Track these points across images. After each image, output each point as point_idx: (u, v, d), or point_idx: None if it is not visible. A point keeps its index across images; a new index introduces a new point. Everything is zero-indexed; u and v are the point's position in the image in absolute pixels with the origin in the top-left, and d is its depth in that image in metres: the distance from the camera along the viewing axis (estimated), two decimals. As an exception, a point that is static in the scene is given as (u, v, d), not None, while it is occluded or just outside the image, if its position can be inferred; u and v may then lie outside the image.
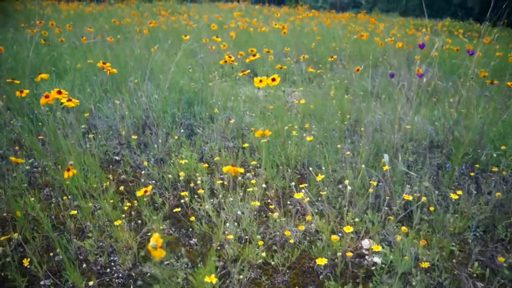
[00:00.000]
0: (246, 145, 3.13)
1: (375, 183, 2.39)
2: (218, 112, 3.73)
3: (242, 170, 2.02)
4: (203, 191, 2.34)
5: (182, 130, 3.60)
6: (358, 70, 3.90)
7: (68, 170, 2.02)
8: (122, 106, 3.58)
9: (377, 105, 4.11)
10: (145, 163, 2.92)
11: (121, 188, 2.69)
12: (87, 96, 3.87)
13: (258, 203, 2.28)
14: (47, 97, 2.18)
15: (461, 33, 10.94)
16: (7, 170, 2.87)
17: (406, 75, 4.30)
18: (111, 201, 2.41)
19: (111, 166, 3.16)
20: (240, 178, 2.42)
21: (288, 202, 2.73)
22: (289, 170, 2.96)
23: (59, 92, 2.19)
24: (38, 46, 4.67)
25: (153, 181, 2.87)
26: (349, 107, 3.87)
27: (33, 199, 2.40)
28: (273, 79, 2.63)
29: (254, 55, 3.32)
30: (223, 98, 4.02)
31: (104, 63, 2.69)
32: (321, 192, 2.55)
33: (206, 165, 2.77)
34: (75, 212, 2.34)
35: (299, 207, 2.67)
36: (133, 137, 3.09)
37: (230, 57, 3.37)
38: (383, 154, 2.69)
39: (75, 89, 4.04)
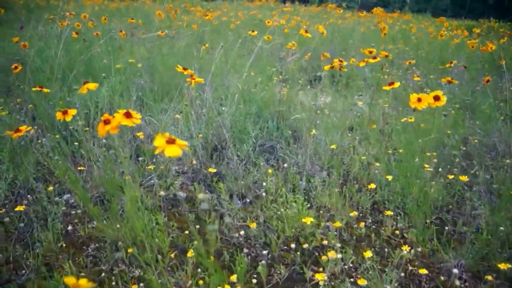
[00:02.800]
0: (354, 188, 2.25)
1: None
2: (304, 130, 2.85)
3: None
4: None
5: (265, 155, 2.74)
6: (488, 81, 2.97)
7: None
8: (181, 121, 2.72)
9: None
10: (230, 205, 2.05)
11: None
12: (133, 105, 3.02)
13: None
14: (107, 122, 1.31)
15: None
16: (36, 216, 2.02)
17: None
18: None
19: (175, 209, 2.30)
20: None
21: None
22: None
23: (128, 115, 1.32)
24: (69, 41, 3.84)
25: (244, 239, 2.00)
26: None
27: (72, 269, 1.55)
28: (437, 98, 1.74)
29: (374, 58, 2.42)
30: (304, 111, 3.14)
31: (184, 69, 1.82)
32: None
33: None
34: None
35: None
36: (210, 170, 2.21)
37: (341, 61, 2.46)
38: None
39: (115, 95, 3.19)
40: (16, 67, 2.55)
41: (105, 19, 4.14)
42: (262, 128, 2.88)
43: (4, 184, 2.22)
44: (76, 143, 2.55)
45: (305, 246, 1.88)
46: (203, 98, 3.11)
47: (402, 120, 2.80)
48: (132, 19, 4.89)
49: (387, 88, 2.29)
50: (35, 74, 3.37)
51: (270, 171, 2.32)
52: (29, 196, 2.21)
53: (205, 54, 4.25)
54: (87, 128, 2.66)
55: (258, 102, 3.25)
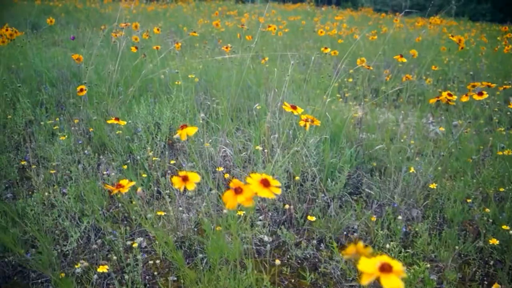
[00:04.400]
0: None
1: None
2: (392, 163, 2.53)
3: None
4: None
5: (347, 189, 2.43)
6: None
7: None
8: (264, 153, 2.44)
9: None
10: None
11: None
12: (203, 131, 2.76)
13: None
14: (239, 192, 1.04)
15: None
16: (111, 265, 1.77)
17: None
18: None
19: (261, 257, 2.02)
20: None
21: None
22: None
23: (265, 183, 1.04)
24: (125, 54, 3.62)
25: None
26: None
27: None
28: None
29: (480, 94, 2.08)
30: (385, 137, 2.82)
31: (293, 107, 1.53)
32: None
33: None
34: None
35: None
36: (305, 216, 1.92)
37: (450, 95, 2.09)
38: None
39: (177, 118, 2.94)
40: (81, 90, 2.32)
41: (158, 29, 3.89)
42: (341, 157, 2.57)
43: (75, 230, 1.98)
44: (145, 175, 2.30)
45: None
46: (275, 122, 2.83)
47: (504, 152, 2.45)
48: (184, 27, 4.65)
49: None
50: (93, 92, 3.14)
51: (373, 218, 2.02)
52: (99, 240, 1.96)
53: (258, 66, 3.98)
54: (155, 158, 2.40)
55: (331, 126, 2.94)
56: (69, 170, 2.60)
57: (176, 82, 3.22)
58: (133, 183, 1.24)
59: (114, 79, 3.07)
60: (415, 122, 3.43)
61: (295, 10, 13.52)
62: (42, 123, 3.13)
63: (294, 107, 1.58)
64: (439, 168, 2.71)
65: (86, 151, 2.46)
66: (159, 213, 1.83)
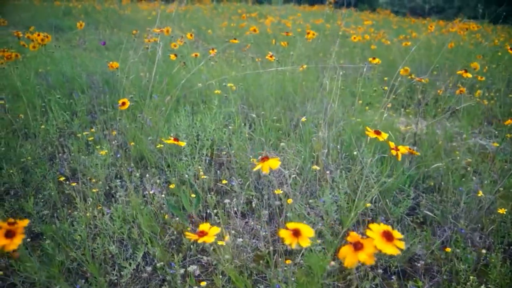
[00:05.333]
0: None
1: None
2: (450, 182, 2.35)
3: None
4: None
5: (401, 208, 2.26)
6: None
7: None
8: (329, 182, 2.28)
9: None
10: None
11: None
12: (251, 149, 2.60)
13: None
14: (358, 247, 0.88)
15: None
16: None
17: None
18: None
19: None
20: None
21: None
22: None
23: (388, 237, 0.87)
24: (160, 61, 3.48)
25: None
26: None
27: None
28: None
29: None
30: (438, 153, 2.63)
31: (377, 132, 1.37)
32: None
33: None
34: None
35: None
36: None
37: None
38: None
39: (219, 130, 2.79)
40: (123, 103, 2.17)
41: (191, 35, 3.75)
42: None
43: (124, 256, 1.84)
44: (193, 195, 2.14)
45: None
46: (322, 136, 2.66)
47: None
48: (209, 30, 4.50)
49: None
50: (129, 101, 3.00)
51: (448, 249, 1.84)
52: (149, 267, 1.82)
53: (294, 74, 3.81)
54: (204, 176, 2.25)
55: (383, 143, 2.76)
56: (108, 186, 2.46)
57: (216, 91, 3.08)
58: (218, 230, 1.09)
59: (150, 88, 2.92)
60: (463, 136, 3.24)
61: (314, 12, 13.33)
62: (77, 133, 3.00)
63: (378, 132, 1.42)
64: (501, 189, 2.53)
65: (129, 168, 2.32)
66: (220, 243, 1.68)
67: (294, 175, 2.34)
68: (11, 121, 3.18)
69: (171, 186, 2.18)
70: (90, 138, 2.76)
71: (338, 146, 2.72)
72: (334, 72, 4.69)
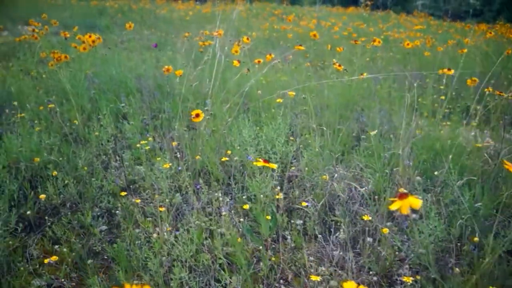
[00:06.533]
0: None
1: None
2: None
3: None
4: None
5: None
6: None
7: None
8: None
9: None
10: None
11: None
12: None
13: None
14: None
15: None
16: None
17: None
18: None
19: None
20: None
21: None
22: None
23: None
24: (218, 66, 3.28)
25: None
26: None
27: None
28: None
29: None
30: None
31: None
32: None
33: None
34: None
35: None
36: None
37: None
38: None
39: (284, 144, 2.57)
40: (197, 115, 1.97)
41: (247, 38, 3.54)
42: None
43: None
44: (268, 217, 1.93)
45: None
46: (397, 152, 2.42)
47: None
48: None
49: None
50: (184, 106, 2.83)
51: None
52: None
53: (358, 83, 3.56)
54: (279, 195, 2.04)
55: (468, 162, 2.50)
56: (170, 203, 2.27)
57: (278, 100, 2.87)
58: None
59: (209, 95, 2.72)
60: None
61: (349, 15, 13.02)
62: (130, 140, 2.84)
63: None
64: None
65: (196, 184, 2.13)
66: (313, 278, 1.46)
67: (372, 195, 2.11)
68: (61, 126, 3.05)
69: (244, 207, 1.98)
70: (147, 148, 2.58)
71: (411, 163, 2.47)
72: (393, 82, 4.42)
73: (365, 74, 3.57)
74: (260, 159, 1.51)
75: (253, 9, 12.24)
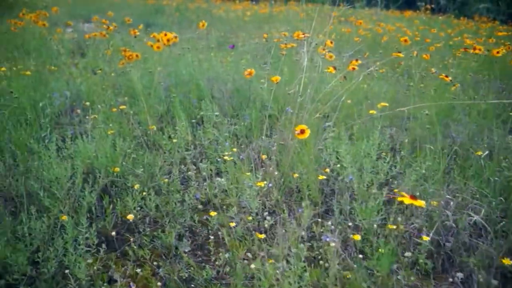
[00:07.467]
0: None
1: None
2: None
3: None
4: None
5: None
6: None
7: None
8: None
9: None
10: None
11: None
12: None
13: None
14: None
15: None
16: None
17: None
18: None
19: None
20: None
21: None
22: None
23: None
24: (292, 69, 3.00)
25: None
26: None
27: None
28: None
29: None
30: None
31: None
32: None
33: None
34: None
35: None
36: None
37: None
38: None
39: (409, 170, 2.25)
40: (302, 131, 1.70)
41: (331, 42, 3.25)
42: None
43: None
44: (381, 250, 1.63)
45: None
46: None
47: None
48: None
49: None
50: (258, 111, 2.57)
51: None
52: None
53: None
54: (393, 226, 1.74)
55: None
56: (257, 223, 2.02)
57: (370, 111, 2.56)
58: None
59: (298, 103, 2.44)
60: None
61: (407, 19, 12.44)
62: (206, 148, 2.62)
63: None
64: None
65: (299, 209, 1.87)
66: None
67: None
68: (132, 129, 2.87)
69: (355, 237, 1.69)
70: (230, 159, 2.33)
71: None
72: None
73: (457, 84, 3.20)
74: (405, 194, 1.22)
75: (307, 9, 11.93)
